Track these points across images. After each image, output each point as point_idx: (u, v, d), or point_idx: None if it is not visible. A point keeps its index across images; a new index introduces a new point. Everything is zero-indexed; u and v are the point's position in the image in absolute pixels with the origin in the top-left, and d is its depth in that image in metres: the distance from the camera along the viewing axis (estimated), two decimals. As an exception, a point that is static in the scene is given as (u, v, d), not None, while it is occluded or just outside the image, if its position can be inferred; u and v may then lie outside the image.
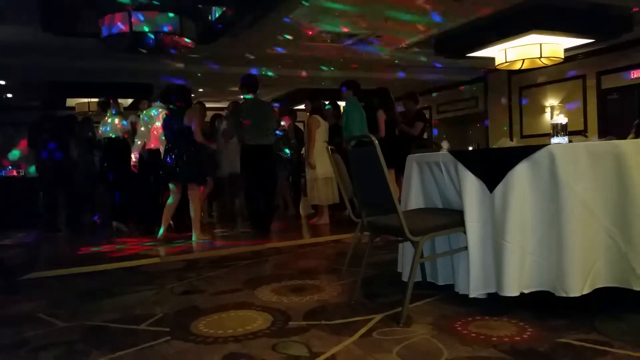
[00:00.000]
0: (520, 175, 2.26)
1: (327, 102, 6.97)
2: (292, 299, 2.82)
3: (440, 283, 2.79)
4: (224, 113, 7.10)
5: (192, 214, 5.21)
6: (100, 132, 6.52)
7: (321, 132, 6.18)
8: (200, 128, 5.22)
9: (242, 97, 5.92)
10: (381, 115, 5.99)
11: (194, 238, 5.17)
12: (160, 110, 5.74)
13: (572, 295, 2.14)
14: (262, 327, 2.36)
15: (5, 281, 3.39)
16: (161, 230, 5.27)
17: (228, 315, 2.58)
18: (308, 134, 6.17)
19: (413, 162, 2.88)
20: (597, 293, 2.21)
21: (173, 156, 5.08)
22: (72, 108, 10.41)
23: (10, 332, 2.49)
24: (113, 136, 6.31)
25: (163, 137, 5.37)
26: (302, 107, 8.60)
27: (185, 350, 2.12)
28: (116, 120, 6.36)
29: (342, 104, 6.38)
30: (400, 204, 2.79)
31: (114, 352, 2.13)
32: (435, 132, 12.73)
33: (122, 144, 6.30)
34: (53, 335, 2.41)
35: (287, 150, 7.42)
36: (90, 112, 10.06)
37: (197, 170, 5.17)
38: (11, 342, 2.35)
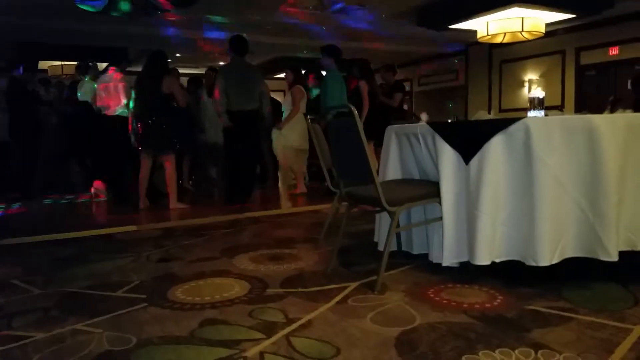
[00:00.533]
0: (496, 147, 2.29)
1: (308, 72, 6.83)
2: (270, 267, 2.84)
3: (415, 252, 2.85)
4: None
5: (168, 182, 5.14)
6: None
7: (303, 103, 6.08)
8: (182, 94, 5.08)
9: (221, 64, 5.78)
10: (364, 87, 5.92)
11: (170, 207, 5.13)
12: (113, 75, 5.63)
13: (541, 264, 2.21)
14: (240, 294, 2.38)
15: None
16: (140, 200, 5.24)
17: (205, 283, 2.60)
18: (292, 102, 6.00)
19: (392, 133, 2.89)
20: (565, 263, 2.28)
21: (149, 123, 4.96)
22: (45, 71, 10.09)
23: (-17, 298, 2.47)
24: (89, 101, 6.14)
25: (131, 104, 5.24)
26: (282, 76, 8.50)
27: (161, 316, 2.14)
28: (91, 85, 6.18)
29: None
30: (378, 174, 2.82)
31: (90, 318, 2.13)
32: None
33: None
34: (28, 302, 2.40)
35: None
36: (64, 76, 9.77)
37: (173, 139, 5.06)
38: (-16, 307, 2.33)
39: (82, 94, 6.24)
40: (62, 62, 10.09)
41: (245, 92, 5.36)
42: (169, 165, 5.10)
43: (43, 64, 10.09)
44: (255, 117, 5.48)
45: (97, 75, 6.24)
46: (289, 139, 6.05)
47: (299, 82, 6.17)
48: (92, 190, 6.27)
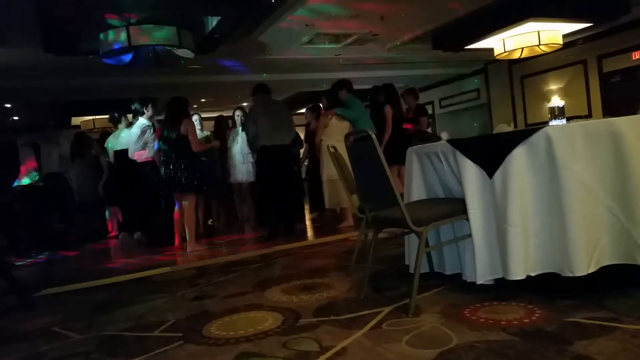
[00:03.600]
0: (519, 159, 2.27)
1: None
2: (302, 298, 2.84)
3: (448, 273, 2.80)
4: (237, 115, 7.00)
5: (185, 224, 5.20)
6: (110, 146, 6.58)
7: (329, 132, 5.76)
8: (195, 137, 5.21)
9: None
10: (388, 111, 5.95)
11: (188, 249, 5.14)
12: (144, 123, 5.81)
13: (578, 274, 2.14)
14: (273, 326, 2.38)
15: (20, 298, 3.44)
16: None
17: (239, 317, 2.61)
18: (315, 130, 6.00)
19: (413, 154, 2.90)
20: (604, 271, 2.21)
21: (171, 167, 5.10)
22: (78, 126, 10.54)
23: (25, 346, 2.54)
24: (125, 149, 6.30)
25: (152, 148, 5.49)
26: (303, 111, 8.64)
27: (198, 353, 2.15)
28: (125, 133, 6.35)
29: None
30: (403, 196, 2.81)
31: (128, 359, 2.17)
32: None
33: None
34: (68, 348, 2.45)
35: None
36: (96, 130, 10.18)
37: (193, 180, 5.14)
38: (27, 355, 2.40)
39: (119, 144, 6.39)
40: (94, 117, 10.54)
41: (279, 127, 5.53)
42: (187, 207, 5.18)
43: (76, 120, 10.58)
44: (288, 151, 5.68)
45: (129, 124, 6.45)
46: (327, 172, 5.78)
47: (333, 107, 5.93)
48: (135, 235, 6.41)
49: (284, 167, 5.57)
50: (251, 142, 5.76)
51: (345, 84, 5.94)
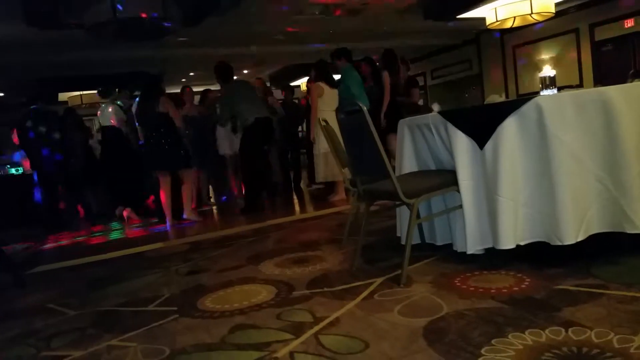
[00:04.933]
0: (509, 129, 2.27)
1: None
2: (295, 271, 2.87)
3: (439, 243, 2.83)
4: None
5: (183, 194, 5.34)
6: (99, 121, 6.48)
7: (326, 100, 5.55)
8: (177, 113, 5.21)
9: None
10: (386, 77, 5.83)
11: (184, 215, 5.32)
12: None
13: (567, 243, 2.18)
14: (267, 298, 2.41)
15: (13, 276, 3.45)
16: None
17: (233, 291, 2.64)
18: (310, 104, 5.77)
19: (404, 127, 2.89)
20: (592, 239, 2.24)
21: (155, 145, 5.08)
22: (65, 102, 10.38)
23: (20, 323, 2.55)
24: (109, 124, 6.21)
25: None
26: (297, 83, 8.54)
27: (193, 326, 2.18)
28: (110, 109, 6.26)
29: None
30: (394, 169, 2.82)
31: (124, 333, 2.19)
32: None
33: (119, 132, 6.21)
34: (64, 323, 2.47)
35: None
36: (83, 105, 10.05)
37: (182, 155, 5.20)
38: (22, 332, 2.41)
39: (106, 120, 6.28)
40: (81, 92, 10.38)
41: (258, 103, 5.67)
42: (187, 179, 5.33)
43: (63, 96, 10.41)
44: (272, 123, 5.82)
45: (116, 98, 6.33)
46: (318, 145, 5.62)
47: (322, 78, 5.69)
48: (124, 215, 6.38)
49: (272, 139, 5.89)
50: (228, 120, 5.76)
51: (344, 52, 5.76)
